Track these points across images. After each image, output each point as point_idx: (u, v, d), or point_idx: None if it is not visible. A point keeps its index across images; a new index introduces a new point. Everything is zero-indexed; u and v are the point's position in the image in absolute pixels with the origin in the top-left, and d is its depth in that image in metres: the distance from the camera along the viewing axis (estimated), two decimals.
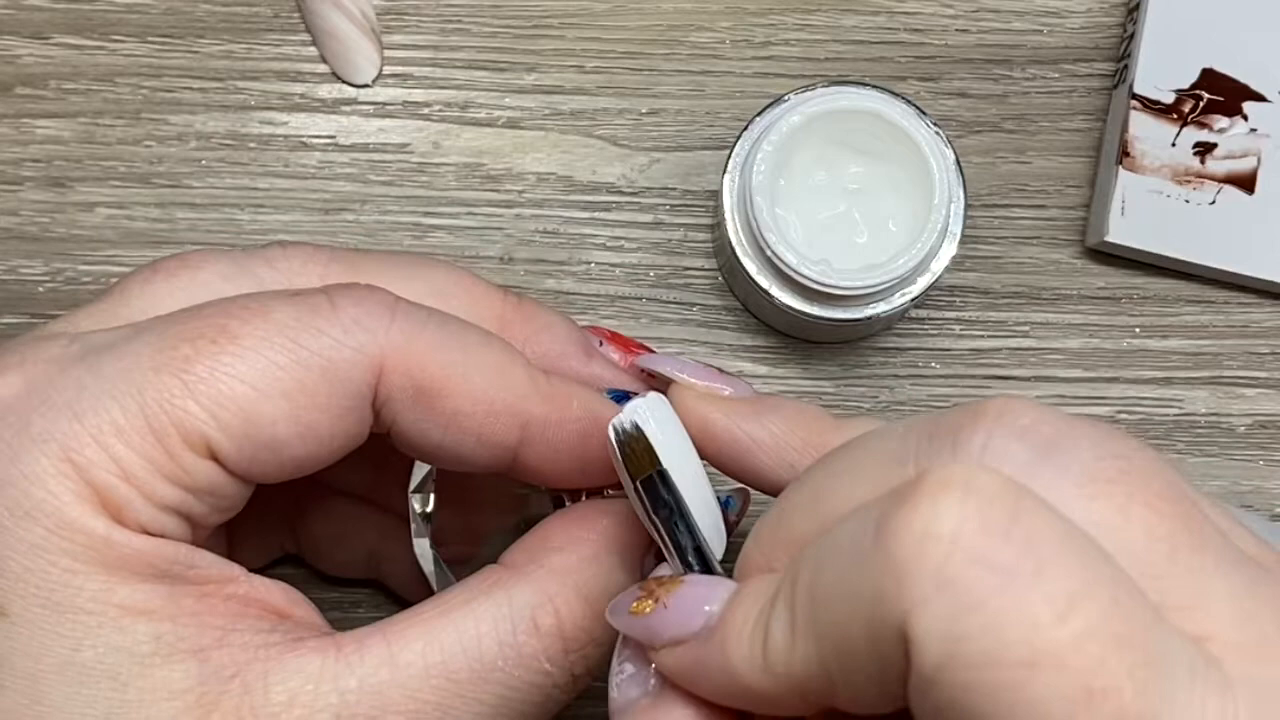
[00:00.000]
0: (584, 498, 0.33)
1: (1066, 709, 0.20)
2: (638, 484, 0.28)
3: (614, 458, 0.29)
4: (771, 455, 0.31)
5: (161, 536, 0.28)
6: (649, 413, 0.29)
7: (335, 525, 0.39)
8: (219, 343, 0.28)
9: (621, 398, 0.32)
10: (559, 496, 0.34)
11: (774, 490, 0.31)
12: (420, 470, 0.35)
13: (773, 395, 0.33)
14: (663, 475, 0.28)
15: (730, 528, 0.33)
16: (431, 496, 0.35)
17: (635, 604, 0.27)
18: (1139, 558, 0.22)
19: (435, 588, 0.35)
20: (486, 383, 0.30)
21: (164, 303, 0.31)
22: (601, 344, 0.34)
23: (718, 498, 0.31)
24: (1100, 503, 0.22)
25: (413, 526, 0.35)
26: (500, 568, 0.31)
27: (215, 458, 0.28)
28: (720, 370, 0.33)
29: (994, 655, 0.20)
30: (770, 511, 0.27)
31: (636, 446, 0.28)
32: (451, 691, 0.28)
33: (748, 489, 0.33)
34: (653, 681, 0.27)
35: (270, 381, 0.28)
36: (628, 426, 0.28)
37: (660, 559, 0.29)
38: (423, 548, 0.35)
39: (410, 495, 0.35)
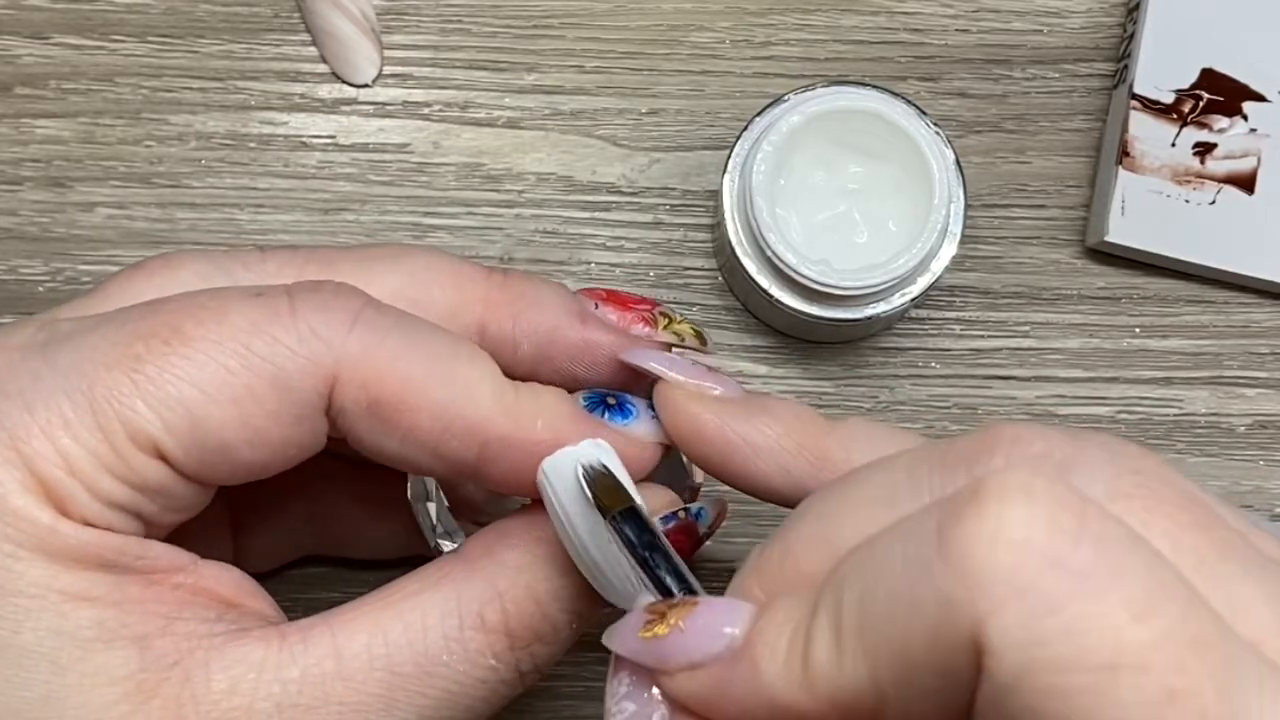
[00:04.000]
0: None
1: (1149, 712, 0.20)
2: (611, 520, 0.28)
3: (551, 499, 0.28)
4: (766, 459, 0.30)
5: (109, 530, 0.28)
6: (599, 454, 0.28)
7: (367, 505, 0.38)
8: (171, 344, 0.28)
9: (597, 402, 0.31)
10: None
11: (764, 494, 0.30)
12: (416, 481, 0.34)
13: (763, 395, 0.32)
14: (634, 510, 0.28)
15: (700, 541, 0.32)
16: (436, 495, 0.35)
17: (645, 629, 0.26)
18: None
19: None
20: (446, 399, 0.29)
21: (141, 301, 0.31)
22: (597, 306, 0.33)
23: (687, 510, 0.31)
24: (1125, 519, 0.22)
25: (423, 529, 0.35)
26: (453, 559, 0.30)
27: (163, 459, 0.28)
28: (709, 368, 0.32)
29: (1075, 659, 0.20)
30: (771, 544, 0.26)
31: (606, 484, 0.28)
32: (395, 685, 0.28)
33: (724, 501, 0.32)
34: (661, 712, 0.26)
35: (219, 387, 0.28)
36: (595, 465, 0.28)
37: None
38: (443, 545, 0.35)
39: (412, 504, 0.34)
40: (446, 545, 0.35)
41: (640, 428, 0.31)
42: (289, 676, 0.28)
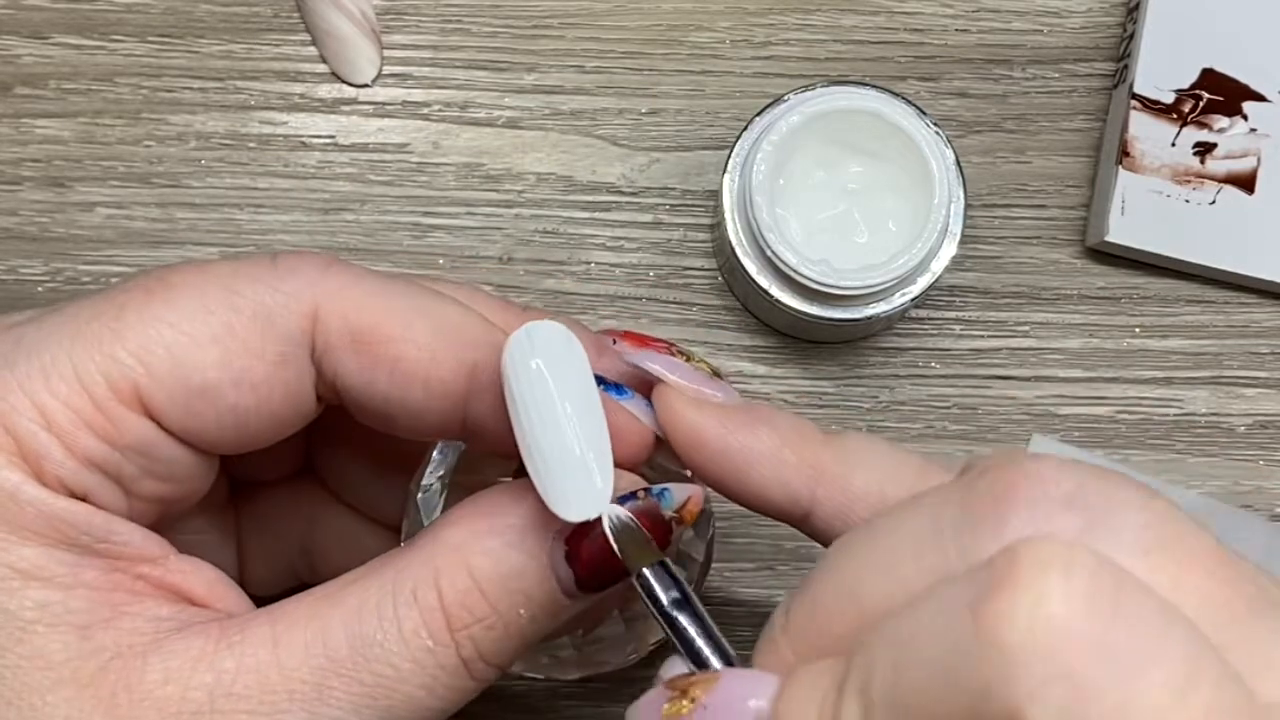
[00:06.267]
0: None
1: None
2: (634, 579, 0.27)
3: (510, 371, 0.27)
4: (766, 470, 0.29)
5: (83, 499, 0.28)
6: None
7: (345, 541, 0.38)
8: (154, 291, 0.28)
9: (596, 380, 0.30)
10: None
11: (759, 504, 0.30)
12: (419, 479, 0.34)
13: (761, 405, 0.31)
14: (663, 566, 0.27)
15: (670, 529, 0.30)
16: (438, 509, 0.34)
17: (669, 706, 0.25)
18: (1201, 625, 0.21)
19: None
20: (429, 327, 0.29)
21: None
22: (615, 343, 0.33)
23: (647, 490, 0.30)
24: (1157, 575, 0.22)
25: (406, 521, 0.34)
26: (401, 546, 0.30)
27: (147, 412, 0.28)
28: (710, 375, 0.31)
29: None
30: (797, 602, 0.25)
31: (636, 538, 0.27)
32: (329, 670, 0.28)
33: (700, 487, 0.31)
34: None
35: (200, 326, 0.28)
36: (623, 518, 0.27)
37: (592, 570, 0.28)
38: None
39: (412, 488, 0.34)
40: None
41: (637, 409, 0.31)
42: (224, 666, 0.27)
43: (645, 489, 0.30)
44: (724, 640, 0.27)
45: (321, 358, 0.29)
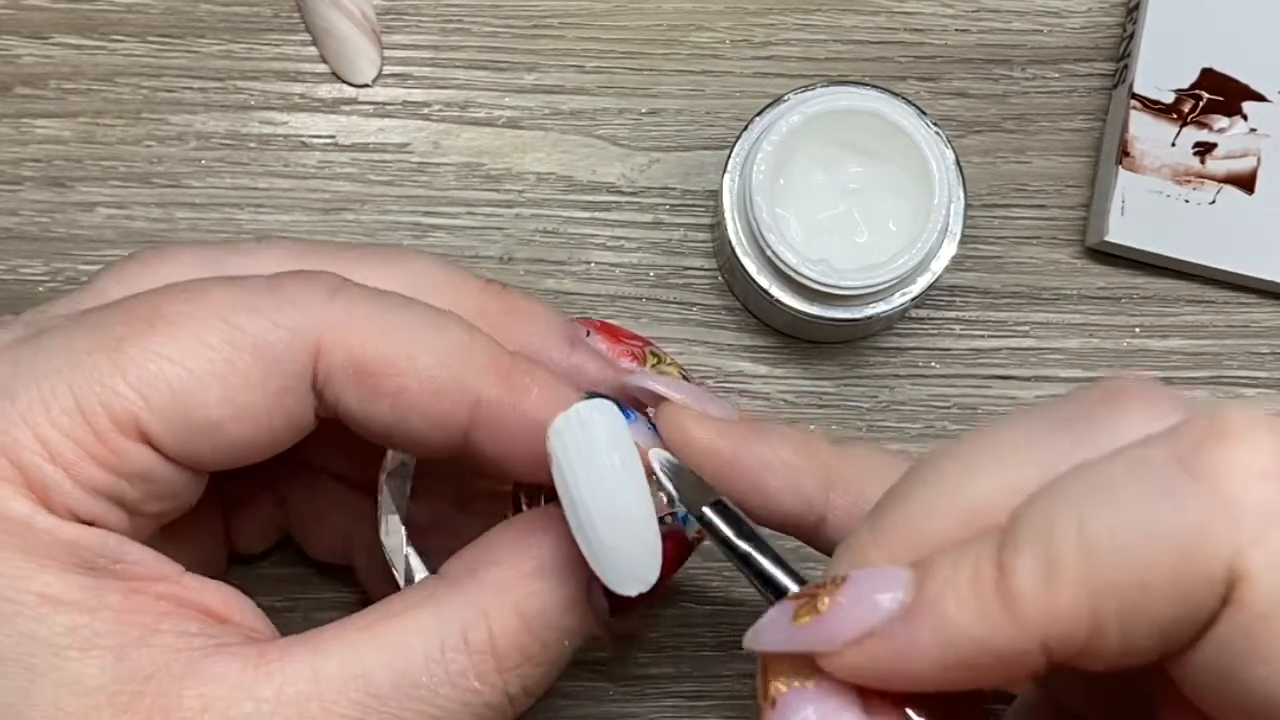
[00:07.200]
0: (543, 501, 0.32)
1: None
2: (705, 513, 0.27)
3: (560, 457, 0.27)
4: (782, 478, 0.30)
5: (91, 524, 0.28)
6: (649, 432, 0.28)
7: (317, 503, 0.38)
8: (153, 324, 0.28)
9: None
10: (518, 498, 0.33)
11: (771, 514, 0.30)
12: (395, 457, 0.34)
13: (765, 420, 0.32)
14: (720, 504, 0.27)
15: (690, 548, 0.31)
16: (408, 485, 0.34)
17: (798, 612, 0.24)
18: None
19: (401, 583, 0.33)
20: (433, 360, 0.29)
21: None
22: (589, 334, 0.33)
23: (673, 515, 0.30)
24: None
25: (380, 516, 0.34)
26: (436, 579, 0.30)
27: (148, 441, 0.28)
28: (709, 391, 0.32)
29: None
30: (891, 509, 0.25)
31: (689, 479, 0.28)
32: (371, 706, 0.27)
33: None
34: (854, 712, 0.24)
35: (201, 362, 0.28)
36: (673, 461, 0.28)
37: (620, 598, 0.28)
38: (392, 540, 0.33)
39: (381, 482, 0.34)
40: (397, 543, 0.34)
41: (640, 434, 0.31)
42: (263, 695, 0.27)
43: (671, 513, 0.31)
44: (792, 566, 0.27)
45: (323, 387, 0.29)
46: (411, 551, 0.33)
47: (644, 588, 0.28)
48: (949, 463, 0.25)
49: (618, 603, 0.29)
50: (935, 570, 0.24)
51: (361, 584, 0.39)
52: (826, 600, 0.24)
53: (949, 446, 0.26)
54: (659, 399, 0.31)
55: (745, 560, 0.27)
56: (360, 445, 0.34)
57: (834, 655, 0.24)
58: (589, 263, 0.46)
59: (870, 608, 0.24)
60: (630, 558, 0.27)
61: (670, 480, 0.28)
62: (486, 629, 0.29)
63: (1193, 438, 0.22)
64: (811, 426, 0.45)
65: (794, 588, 0.26)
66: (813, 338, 0.45)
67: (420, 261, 0.32)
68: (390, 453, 0.34)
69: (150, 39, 0.46)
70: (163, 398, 0.28)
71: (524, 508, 0.32)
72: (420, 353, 0.29)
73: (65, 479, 0.27)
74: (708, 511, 0.28)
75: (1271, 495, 0.21)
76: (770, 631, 0.25)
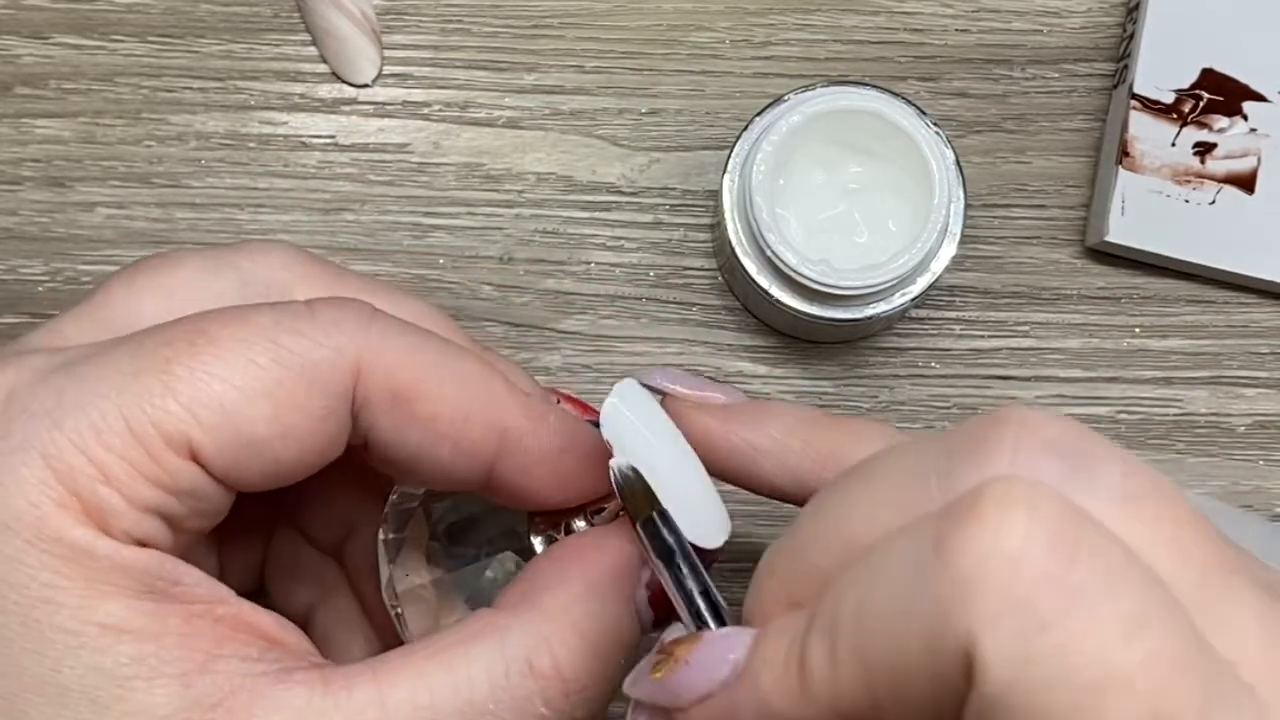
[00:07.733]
0: (563, 533, 0.33)
1: None
2: (638, 527, 0.28)
3: (626, 418, 0.30)
4: (773, 460, 0.30)
5: (144, 544, 0.28)
6: (631, 415, 0.30)
7: (284, 563, 0.37)
8: (198, 344, 0.28)
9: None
10: (548, 534, 0.33)
11: (771, 494, 0.31)
12: (399, 512, 0.34)
13: (767, 400, 0.32)
14: (663, 515, 0.28)
15: (710, 563, 0.32)
16: (401, 542, 0.34)
17: (655, 669, 0.26)
18: (1169, 580, 0.22)
19: (406, 635, 0.33)
20: (464, 389, 0.30)
21: (146, 302, 0.31)
22: (559, 402, 0.34)
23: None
24: (1132, 523, 0.22)
25: (382, 566, 0.34)
26: (493, 610, 0.30)
27: (196, 459, 0.28)
28: (710, 378, 0.32)
29: (1063, 677, 0.20)
30: (783, 542, 0.26)
31: (635, 488, 0.29)
32: None
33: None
34: None
35: (250, 380, 0.28)
36: (626, 470, 0.29)
37: (664, 608, 0.29)
38: (406, 584, 0.34)
39: (380, 540, 0.34)
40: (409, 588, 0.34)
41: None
42: None
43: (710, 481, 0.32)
44: (715, 592, 0.28)
45: (360, 411, 0.29)
46: (414, 612, 0.34)
47: (727, 535, 0.30)
48: (834, 494, 0.26)
49: (660, 616, 0.30)
50: (768, 633, 0.25)
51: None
52: (680, 657, 0.26)
53: (837, 479, 0.26)
54: (663, 392, 0.32)
55: (669, 573, 0.28)
56: (340, 507, 0.35)
57: (682, 713, 0.25)
58: (589, 263, 0.46)
59: (712, 668, 0.25)
60: (711, 509, 0.30)
61: (619, 486, 0.29)
62: (549, 653, 0.29)
63: (952, 514, 0.21)
64: None
65: (704, 611, 0.28)
66: (813, 338, 0.45)
67: (420, 306, 0.33)
68: (391, 509, 0.34)
69: (150, 39, 0.46)
70: (214, 416, 0.28)
71: (554, 538, 0.33)
72: (449, 379, 0.30)
73: (120, 500, 0.27)
74: (638, 526, 0.29)
75: (1007, 578, 0.20)
76: (637, 681, 0.27)
